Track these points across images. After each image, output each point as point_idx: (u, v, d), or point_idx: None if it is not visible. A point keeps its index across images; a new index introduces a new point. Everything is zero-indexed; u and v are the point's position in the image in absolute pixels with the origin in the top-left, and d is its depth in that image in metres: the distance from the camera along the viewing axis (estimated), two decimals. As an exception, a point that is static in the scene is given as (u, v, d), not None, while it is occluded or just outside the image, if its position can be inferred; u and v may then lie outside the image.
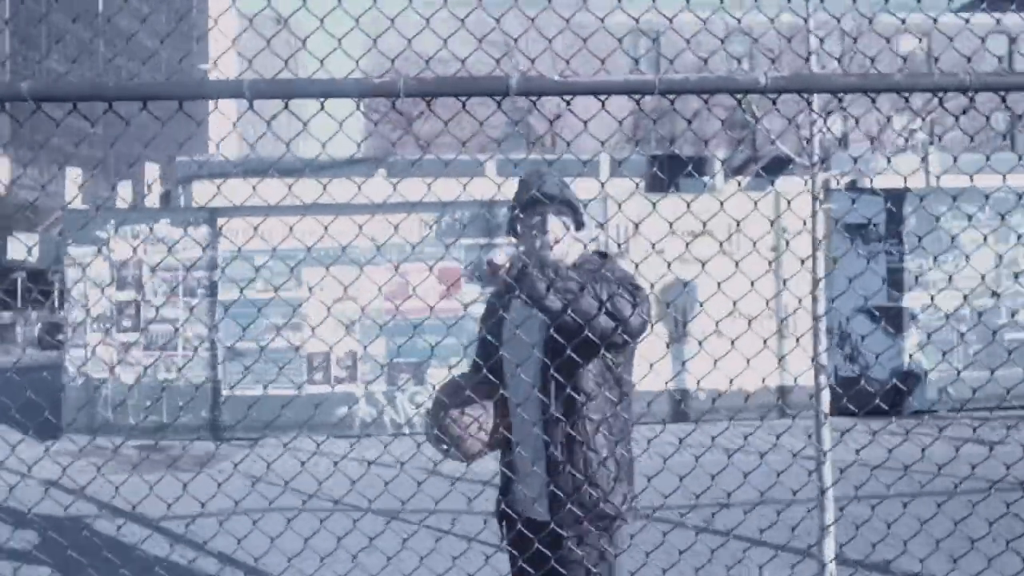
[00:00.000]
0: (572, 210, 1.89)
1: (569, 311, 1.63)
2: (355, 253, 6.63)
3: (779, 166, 10.73)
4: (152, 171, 7.94)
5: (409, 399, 6.73)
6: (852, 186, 9.96)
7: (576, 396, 1.77)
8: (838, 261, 6.71)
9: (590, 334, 1.64)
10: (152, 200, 7.81)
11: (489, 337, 1.94)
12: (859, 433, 5.81)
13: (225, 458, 5.96)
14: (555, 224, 1.85)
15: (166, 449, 6.40)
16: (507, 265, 1.67)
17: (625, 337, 1.65)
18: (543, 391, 1.79)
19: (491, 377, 1.86)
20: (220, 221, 6.75)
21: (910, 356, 7.00)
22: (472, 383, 1.84)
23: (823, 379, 2.78)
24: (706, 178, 10.02)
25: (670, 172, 10.37)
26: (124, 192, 9.82)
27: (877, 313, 6.92)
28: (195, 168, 9.56)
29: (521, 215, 1.86)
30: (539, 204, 1.84)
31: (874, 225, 6.91)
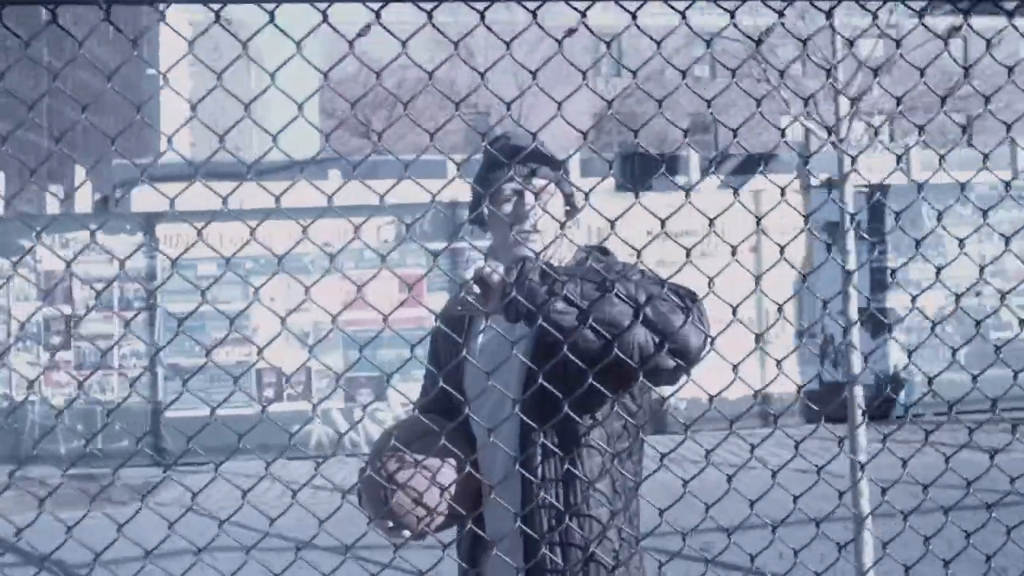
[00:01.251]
0: (562, 178, 1.44)
1: (589, 323, 1.18)
2: (306, 260, 6.47)
3: (755, 164, 10.86)
4: (82, 173, 7.65)
5: (369, 416, 6.59)
6: (828, 183, 10.12)
7: (574, 452, 1.32)
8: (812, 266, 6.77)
9: (625, 356, 1.18)
10: (84, 205, 7.53)
11: (441, 377, 1.36)
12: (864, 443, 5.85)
13: (166, 487, 5.74)
14: (545, 192, 1.39)
15: (100, 479, 6.15)
16: (505, 279, 1.22)
17: (679, 360, 1.21)
18: (524, 444, 1.34)
19: (445, 421, 1.36)
20: (159, 228, 6.53)
21: (902, 362, 7.10)
22: (424, 429, 1.31)
23: (857, 391, 2.75)
24: (679, 177, 10.08)
25: (642, 172, 10.41)
26: (53, 198, 9.47)
27: (859, 315, 7.00)
28: (134, 171, 9.27)
29: (489, 186, 1.38)
30: (516, 166, 1.37)
31: (856, 223, 7.00)
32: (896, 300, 7.05)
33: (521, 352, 1.34)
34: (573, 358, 1.19)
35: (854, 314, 2.91)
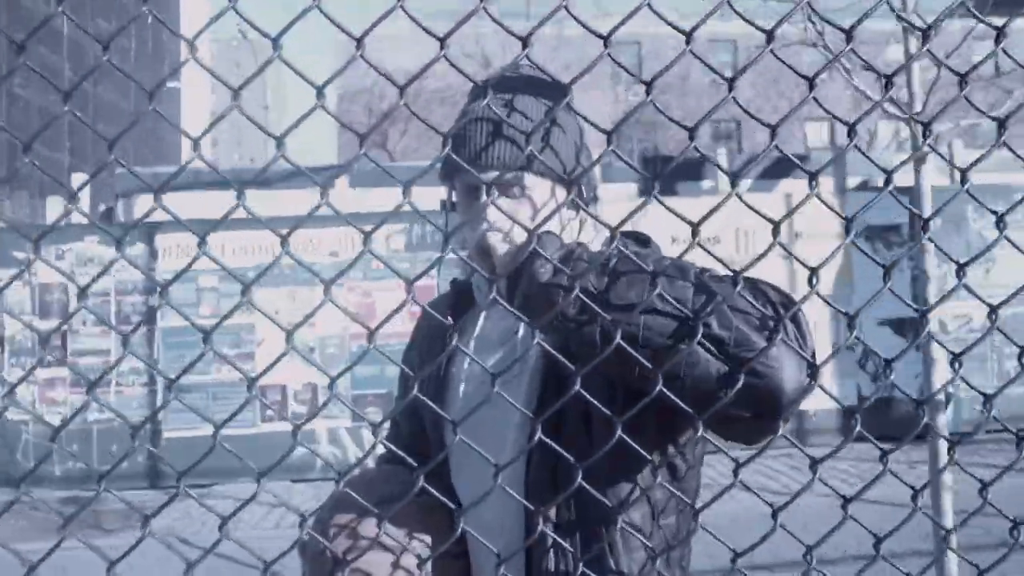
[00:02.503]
0: (556, 160, 1.04)
1: (640, 338, 0.85)
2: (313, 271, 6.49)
3: (785, 167, 10.79)
4: (81, 182, 7.74)
5: (377, 435, 6.57)
6: (864, 186, 10.02)
7: (602, 534, 1.01)
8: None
9: (671, 395, 0.82)
10: (79, 216, 7.62)
11: (418, 401, 1.03)
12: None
13: (163, 512, 5.75)
14: (510, 191, 1.03)
15: (95, 502, 6.17)
16: (507, 249, 1.01)
17: (763, 405, 0.85)
18: (531, 517, 1.01)
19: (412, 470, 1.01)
20: (159, 239, 6.58)
21: (947, 375, 6.98)
22: (385, 493, 1.00)
23: (942, 413, 2.70)
24: (705, 182, 10.03)
25: (666, 175, 10.36)
26: (54, 207, 9.58)
27: (900, 326, 6.90)
28: (136, 180, 9.37)
29: (452, 171, 1.07)
30: (474, 150, 1.01)
31: (896, 228, 6.92)
32: (939, 310, 6.95)
33: (525, 383, 1.04)
34: (592, 400, 0.82)
35: (933, 325, 2.87)
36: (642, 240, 1.13)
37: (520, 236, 1.03)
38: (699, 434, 0.84)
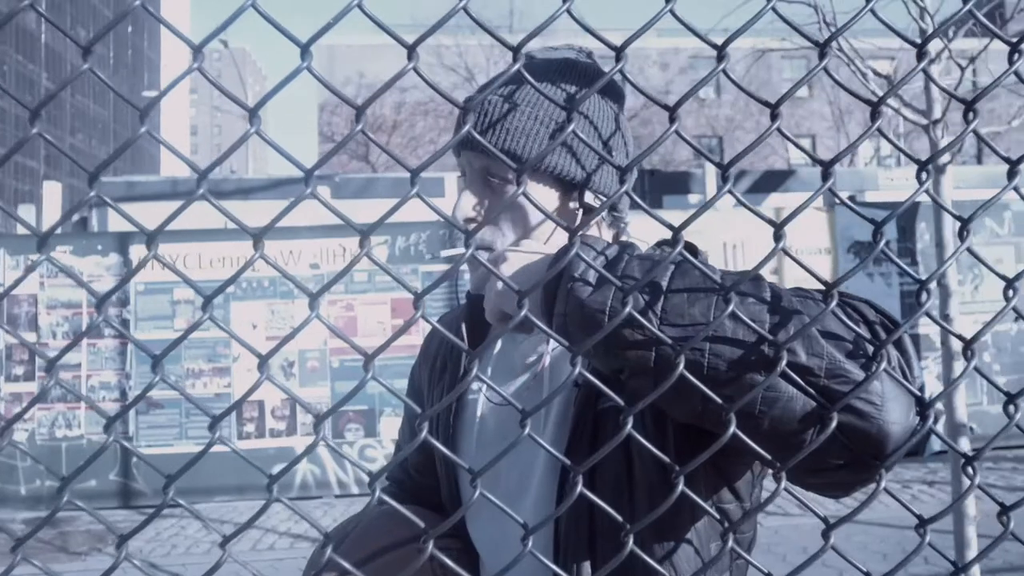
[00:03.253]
0: (572, 162, 0.93)
1: (706, 367, 0.71)
2: (291, 285, 6.44)
3: (773, 182, 10.88)
4: (53, 191, 7.65)
5: (359, 453, 6.50)
6: (853, 200, 10.12)
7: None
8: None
9: (746, 439, 0.69)
10: (50, 225, 7.52)
11: (426, 432, 0.88)
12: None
13: (135, 534, 5.63)
14: (505, 187, 0.93)
15: (63, 523, 6.05)
16: (488, 257, 0.89)
17: (865, 452, 0.71)
18: (567, 557, 0.89)
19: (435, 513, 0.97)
20: (133, 249, 6.51)
21: (936, 391, 7.03)
22: (385, 544, 0.91)
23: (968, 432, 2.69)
24: (692, 195, 10.09)
25: (652, 189, 10.42)
26: (26, 216, 9.47)
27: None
28: (111, 190, 9.29)
29: (458, 147, 0.96)
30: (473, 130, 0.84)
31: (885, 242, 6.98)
32: (929, 326, 7.01)
33: (552, 417, 0.92)
34: (639, 436, 0.67)
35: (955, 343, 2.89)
36: (689, 251, 0.88)
37: (504, 244, 0.90)
38: (767, 478, 0.71)
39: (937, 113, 2.95)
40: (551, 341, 0.95)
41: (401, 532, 0.91)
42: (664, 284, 0.73)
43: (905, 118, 2.96)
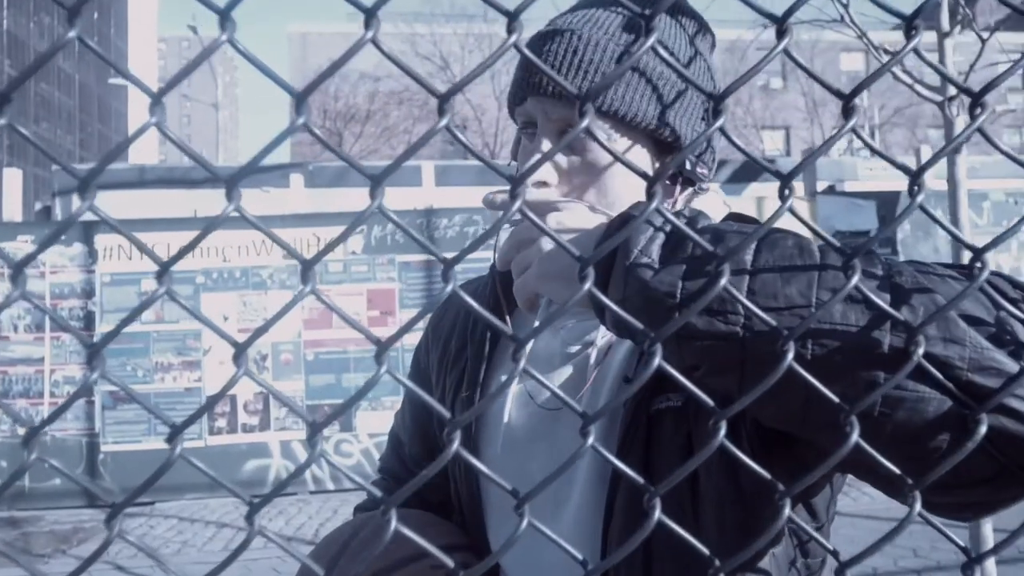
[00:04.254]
0: (659, 119, 0.79)
1: (810, 357, 0.57)
2: (264, 274, 6.36)
3: (753, 171, 10.94)
4: (14, 178, 7.48)
5: (334, 448, 6.45)
6: (831, 190, 10.21)
7: None
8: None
9: (868, 448, 0.54)
10: (12, 214, 7.36)
11: (433, 421, 0.95)
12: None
13: (98, 533, 5.55)
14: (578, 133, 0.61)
15: (24, 523, 5.94)
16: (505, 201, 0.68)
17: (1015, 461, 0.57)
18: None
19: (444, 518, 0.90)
20: (98, 239, 6.38)
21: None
22: (393, 561, 0.80)
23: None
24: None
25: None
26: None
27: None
28: (73, 178, 9.09)
29: (514, 97, 0.84)
30: (539, 82, 0.79)
31: (865, 234, 7.04)
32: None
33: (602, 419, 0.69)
34: (731, 446, 0.52)
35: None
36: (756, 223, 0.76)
37: (564, 217, 0.71)
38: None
39: (952, 90, 2.94)
40: (601, 328, 0.80)
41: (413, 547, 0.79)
42: (748, 259, 0.60)
43: (918, 94, 2.98)
